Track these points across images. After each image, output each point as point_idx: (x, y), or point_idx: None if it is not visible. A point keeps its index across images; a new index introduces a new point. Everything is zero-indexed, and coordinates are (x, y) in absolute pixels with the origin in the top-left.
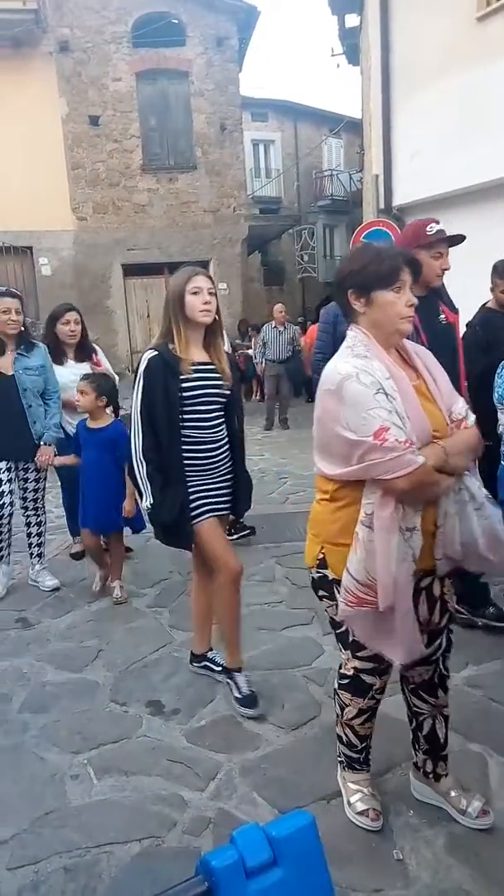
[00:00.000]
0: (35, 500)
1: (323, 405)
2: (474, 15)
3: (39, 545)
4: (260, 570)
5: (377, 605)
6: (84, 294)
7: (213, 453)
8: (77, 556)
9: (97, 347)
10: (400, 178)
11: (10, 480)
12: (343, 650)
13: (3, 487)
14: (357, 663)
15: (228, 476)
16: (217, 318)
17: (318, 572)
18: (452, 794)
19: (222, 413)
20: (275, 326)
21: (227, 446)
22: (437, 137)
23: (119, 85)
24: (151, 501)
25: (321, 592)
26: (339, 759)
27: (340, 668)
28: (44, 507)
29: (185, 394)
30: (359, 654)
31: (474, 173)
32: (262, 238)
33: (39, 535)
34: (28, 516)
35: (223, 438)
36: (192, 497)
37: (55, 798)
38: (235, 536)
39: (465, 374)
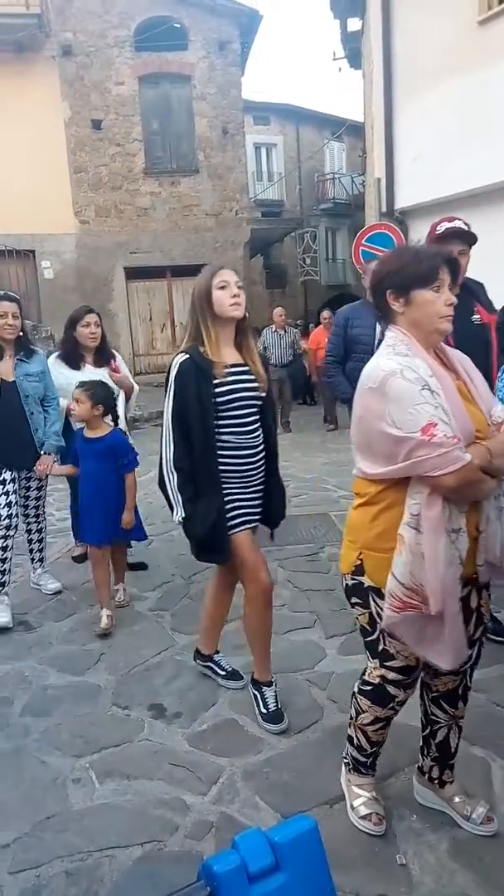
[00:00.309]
0: (37, 508)
1: (364, 403)
2: (476, 18)
3: (41, 550)
4: None
5: (423, 610)
6: (86, 297)
7: (251, 459)
8: (79, 560)
9: (116, 353)
10: (402, 181)
11: (15, 492)
12: (371, 658)
13: (10, 498)
14: (384, 672)
15: (263, 482)
16: (247, 315)
17: (354, 579)
18: (456, 799)
19: (258, 417)
20: (275, 330)
21: (263, 452)
22: (438, 141)
23: (121, 89)
24: (183, 515)
25: (354, 600)
26: (344, 760)
27: (364, 673)
28: (45, 513)
29: (219, 399)
30: (388, 664)
31: (476, 176)
32: (265, 241)
33: (41, 540)
34: (29, 523)
35: (260, 443)
36: (228, 507)
37: (57, 802)
38: None
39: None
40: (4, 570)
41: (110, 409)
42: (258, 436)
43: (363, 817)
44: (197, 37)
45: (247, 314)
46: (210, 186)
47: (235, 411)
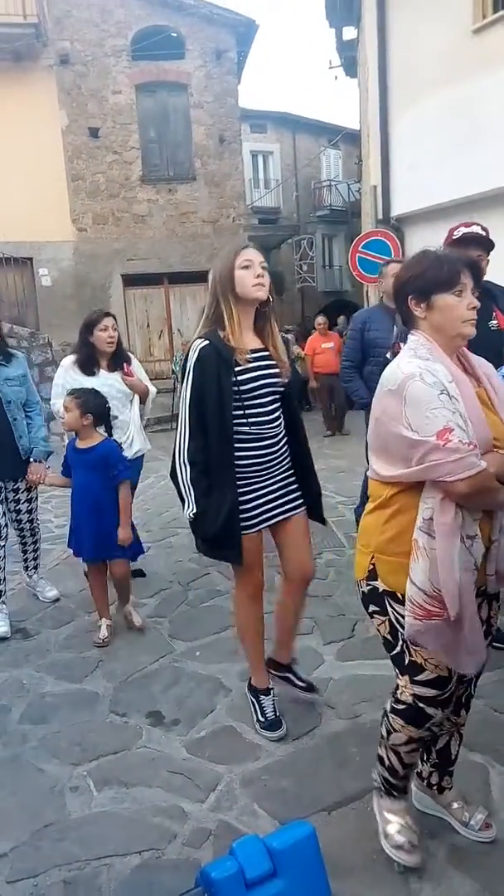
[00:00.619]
0: (31, 521)
1: (382, 405)
2: (470, 27)
3: (35, 559)
4: None
5: (445, 616)
6: (84, 304)
7: (272, 451)
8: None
9: (132, 355)
10: (398, 188)
11: (2, 501)
12: (400, 675)
13: None
14: (417, 690)
15: (291, 472)
16: (270, 298)
17: (368, 584)
18: (455, 805)
19: (280, 406)
20: None
21: (285, 442)
22: (434, 148)
23: (119, 97)
24: (194, 510)
25: (372, 608)
26: (375, 784)
27: (396, 691)
28: (38, 524)
29: (241, 387)
30: (418, 678)
31: (471, 183)
32: (262, 248)
33: (35, 551)
34: (24, 536)
35: (281, 433)
36: (247, 503)
37: (55, 810)
38: None
39: None
40: None
41: (102, 418)
42: (279, 425)
43: (398, 847)
44: (194, 46)
45: (270, 297)
46: (207, 194)
47: (257, 399)
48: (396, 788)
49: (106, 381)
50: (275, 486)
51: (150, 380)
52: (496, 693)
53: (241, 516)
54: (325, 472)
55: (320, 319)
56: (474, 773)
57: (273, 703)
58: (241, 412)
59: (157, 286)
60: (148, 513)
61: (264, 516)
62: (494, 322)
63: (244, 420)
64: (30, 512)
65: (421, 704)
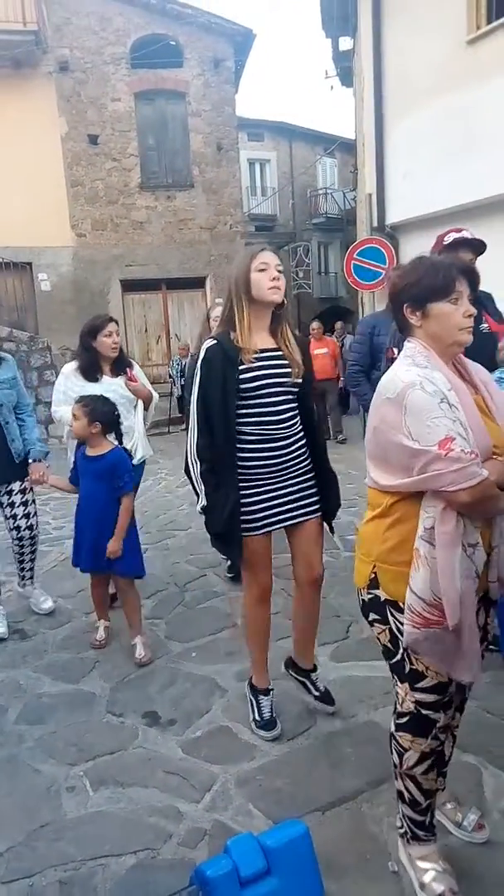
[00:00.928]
0: (30, 529)
1: (381, 414)
2: (464, 38)
3: (31, 570)
4: None
5: (444, 625)
6: (83, 310)
7: (284, 452)
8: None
9: (133, 361)
10: (393, 196)
11: None
12: (400, 683)
13: None
14: (418, 696)
15: (308, 476)
16: (285, 301)
17: (370, 593)
18: (448, 806)
19: (294, 406)
20: None
21: (302, 444)
22: (428, 157)
23: (118, 105)
24: (204, 503)
25: (372, 617)
26: (399, 831)
27: (397, 707)
28: (37, 531)
29: (243, 385)
30: (419, 685)
31: (465, 192)
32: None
33: (32, 561)
34: (22, 545)
35: (296, 435)
36: (253, 504)
37: (50, 810)
38: None
39: None
40: None
41: (112, 425)
42: (292, 426)
43: None
44: (192, 54)
45: (285, 301)
46: (205, 201)
47: (263, 398)
48: (423, 827)
49: (109, 387)
50: (288, 489)
51: (150, 384)
52: (489, 695)
53: (246, 517)
54: None
55: (315, 325)
56: (467, 774)
57: (271, 704)
58: (245, 411)
59: (155, 292)
60: (146, 515)
61: (272, 519)
62: (486, 325)
63: (249, 420)
64: (27, 517)
65: (424, 711)
